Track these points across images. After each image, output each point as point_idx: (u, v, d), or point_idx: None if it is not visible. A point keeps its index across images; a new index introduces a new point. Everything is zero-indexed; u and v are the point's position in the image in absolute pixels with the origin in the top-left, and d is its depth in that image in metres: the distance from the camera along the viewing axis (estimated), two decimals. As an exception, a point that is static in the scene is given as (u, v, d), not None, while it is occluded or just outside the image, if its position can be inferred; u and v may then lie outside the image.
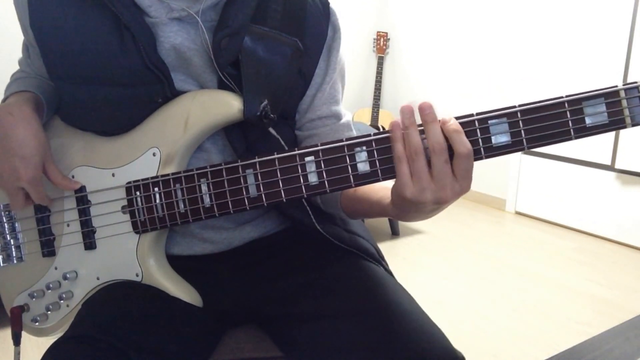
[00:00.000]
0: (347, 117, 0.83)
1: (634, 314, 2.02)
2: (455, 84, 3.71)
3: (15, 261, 0.79)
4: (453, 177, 0.56)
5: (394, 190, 0.59)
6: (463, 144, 0.55)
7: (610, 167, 2.86)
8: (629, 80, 0.54)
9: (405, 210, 0.60)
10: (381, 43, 4.07)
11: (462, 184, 0.56)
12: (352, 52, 4.07)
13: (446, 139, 0.56)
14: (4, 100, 0.77)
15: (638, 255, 2.69)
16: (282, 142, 0.74)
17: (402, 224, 2.94)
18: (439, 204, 0.57)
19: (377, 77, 4.03)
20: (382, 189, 0.67)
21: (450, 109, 3.73)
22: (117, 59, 0.69)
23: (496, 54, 3.41)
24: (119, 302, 0.70)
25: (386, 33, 4.10)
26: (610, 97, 0.54)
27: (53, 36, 0.71)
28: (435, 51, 3.84)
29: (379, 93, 4.01)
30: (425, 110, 0.56)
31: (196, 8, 0.70)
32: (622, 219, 2.82)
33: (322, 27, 0.77)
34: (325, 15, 0.78)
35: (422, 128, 0.57)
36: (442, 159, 0.55)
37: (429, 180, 0.56)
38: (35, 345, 1.52)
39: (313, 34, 0.76)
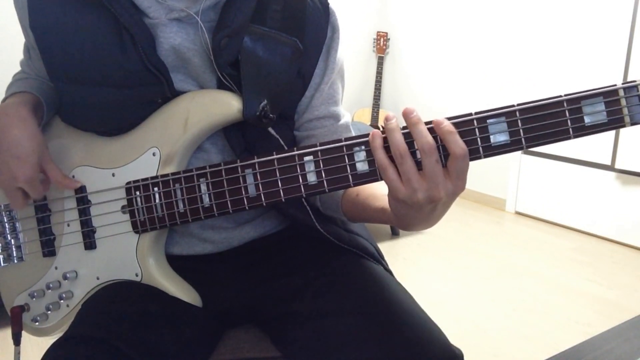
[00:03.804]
0: (346, 118, 0.83)
1: (634, 314, 2.02)
2: (455, 83, 3.72)
3: (15, 261, 0.80)
4: (445, 176, 0.56)
5: (389, 196, 0.60)
6: (458, 144, 0.55)
7: (610, 167, 2.86)
8: (629, 80, 0.54)
9: (403, 214, 0.60)
10: (381, 43, 4.07)
11: (455, 184, 0.56)
12: (352, 52, 4.07)
13: (441, 140, 0.56)
14: (4, 100, 0.77)
15: (638, 255, 2.69)
16: (282, 142, 0.74)
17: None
18: (434, 203, 0.56)
19: (377, 77, 4.03)
20: (384, 196, 0.66)
21: (450, 108, 3.73)
22: (117, 60, 0.69)
23: (496, 54, 3.41)
24: (118, 302, 0.70)
25: (386, 33, 4.10)
26: (609, 96, 0.54)
27: (53, 38, 0.71)
28: (435, 51, 3.84)
29: (379, 93, 4.01)
30: (409, 114, 0.56)
31: (195, 8, 0.70)
32: (622, 219, 2.82)
33: (321, 27, 0.77)
34: (325, 16, 0.78)
35: (407, 131, 0.57)
36: (432, 158, 0.55)
37: (419, 181, 0.55)
38: (35, 345, 1.52)
39: (312, 34, 0.76)
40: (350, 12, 4.01)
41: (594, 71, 2.87)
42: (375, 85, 4.02)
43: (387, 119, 0.58)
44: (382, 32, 4.09)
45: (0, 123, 0.70)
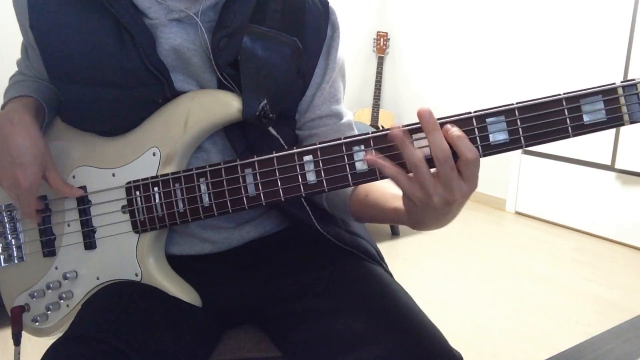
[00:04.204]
0: (348, 116, 0.83)
1: (634, 314, 2.02)
2: (455, 83, 3.72)
3: (16, 261, 0.80)
4: (460, 180, 0.55)
5: (403, 198, 0.59)
6: (469, 149, 0.53)
7: (610, 167, 2.86)
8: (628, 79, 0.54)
9: (419, 216, 0.59)
10: (381, 43, 4.08)
11: (469, 184, 0.55)
12: (352, 52, 4.07)
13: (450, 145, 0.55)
14: (4, 105, 0.77)
15: (638, 255, 2.69)
16: (282, 142, 0.74)
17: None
18: (449, 205, 0.56)
19: (377, 77, 4.03)
20: (396, 197, 0.66)
21: (450, 108, 3.73)
22: (117, 60, 0.69)
23: (496, 53, 3.41)
24: (118, 302, 0.70)
25: (386, 33, 4.10)
26: (608, 94, 0.54)
27: (53, 38, 0.71)
28: (435, 51, 3.84)
29: (379, 93, 4.01)
30: (425, 117, 0.54)
31: (195, 9, 0.70)
32: (622, 219, 2.82)
33: (321, 26, 0.77)
34: (325, 15, 0.78)
35: (418, 126, 0.56)
36: (447, 166, 0.53)
37: (434, 186, 0.54)
38: (35, 345, 1.52)
39: (312, 33, 0.76)
40: (350, 12, 4.01)
41: (594, 71, 2.87)
42: (375, 85, 4.02)
43: (393, 137, 0.54)
44: (382, 32, 4.09)
45: (5, 131, 0.70)
